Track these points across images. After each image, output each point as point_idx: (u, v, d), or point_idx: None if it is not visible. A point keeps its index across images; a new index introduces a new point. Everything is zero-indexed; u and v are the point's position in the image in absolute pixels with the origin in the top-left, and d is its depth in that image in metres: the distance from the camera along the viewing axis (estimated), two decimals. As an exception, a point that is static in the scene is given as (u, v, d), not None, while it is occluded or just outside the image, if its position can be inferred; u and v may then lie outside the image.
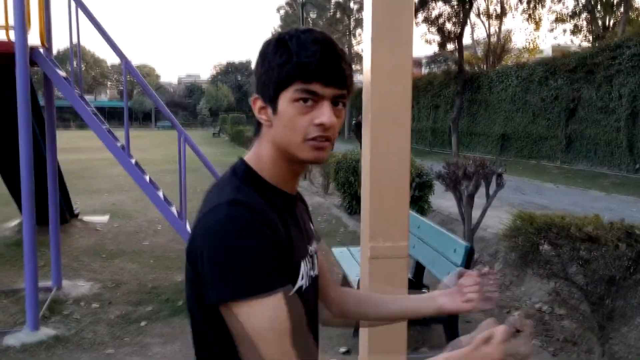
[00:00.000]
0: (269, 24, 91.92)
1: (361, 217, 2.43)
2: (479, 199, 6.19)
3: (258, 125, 1.19)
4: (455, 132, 22.84)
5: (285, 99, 1.09)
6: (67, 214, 8.81)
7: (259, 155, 1.18)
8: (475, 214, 6.20)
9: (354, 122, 32.91)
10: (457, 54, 24.66)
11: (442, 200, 8.71)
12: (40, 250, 5.78)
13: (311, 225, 1.35)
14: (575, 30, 27.64)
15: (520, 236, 3.84)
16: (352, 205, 9.51)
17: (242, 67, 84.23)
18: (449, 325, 3.85)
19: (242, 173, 1.18)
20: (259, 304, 1.01)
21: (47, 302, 5.19)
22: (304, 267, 1.16)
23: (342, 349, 4.22)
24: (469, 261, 3.76)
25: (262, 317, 1.01)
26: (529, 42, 32.13)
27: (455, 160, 6.79)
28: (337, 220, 9.27)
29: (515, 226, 3.89)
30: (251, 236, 1.03)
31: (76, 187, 12.90)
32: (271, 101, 1.12)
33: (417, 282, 4.37)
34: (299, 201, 1.28)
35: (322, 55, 1.07)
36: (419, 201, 7.53)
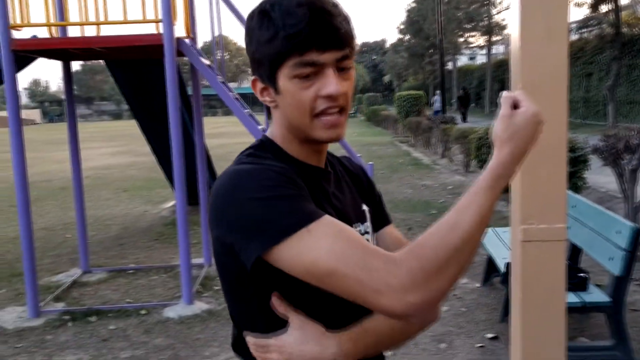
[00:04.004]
0: (403, 1, 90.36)
1: (511, 196, 2.24)
2: (645, 174, 5.54)
3: (267, 109, 1.09)
4: (612, 101, 20.81)
5: (284, 76, 0.98)
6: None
7: (274, 135, 1.09)
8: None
9: (461, 92, 31.48)
10: (612, 16, 22.36)
11: (599, 176, 7.95)
12: (193, 229, 6.19)
13: (363, 205, 1.18)
14: None
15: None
16: (496, 183, 9.04)
17: (377, 47, 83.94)
18: (614, 314, 3.48)
19: (257, 143, 1.11)
20: (318, 227, 0.89)
21: (199, 278, 5.55)
22: None
23: (489, 335, 4.01)
24: (635, 244, 3.35)
25: (327, 235, 0.89)
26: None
27: (615, 132, 6.15)
28: (480, 199, 8.86)
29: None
30: (267, 175, 0.96)
31: (223, 169, 13.72)
32: (270, 81, 1.01)
33: (574, 266, 4.00)
34: (334, 175, 1.14)
35: (310, 18, 0.94)
36: (572, 178, 6.92)
